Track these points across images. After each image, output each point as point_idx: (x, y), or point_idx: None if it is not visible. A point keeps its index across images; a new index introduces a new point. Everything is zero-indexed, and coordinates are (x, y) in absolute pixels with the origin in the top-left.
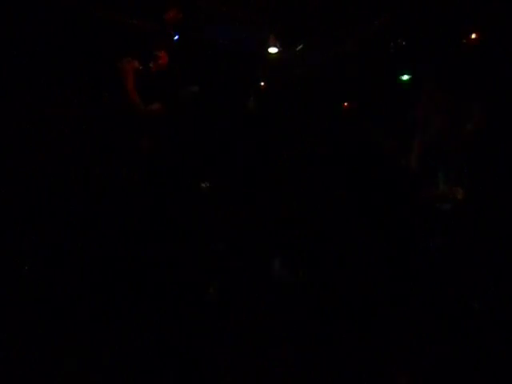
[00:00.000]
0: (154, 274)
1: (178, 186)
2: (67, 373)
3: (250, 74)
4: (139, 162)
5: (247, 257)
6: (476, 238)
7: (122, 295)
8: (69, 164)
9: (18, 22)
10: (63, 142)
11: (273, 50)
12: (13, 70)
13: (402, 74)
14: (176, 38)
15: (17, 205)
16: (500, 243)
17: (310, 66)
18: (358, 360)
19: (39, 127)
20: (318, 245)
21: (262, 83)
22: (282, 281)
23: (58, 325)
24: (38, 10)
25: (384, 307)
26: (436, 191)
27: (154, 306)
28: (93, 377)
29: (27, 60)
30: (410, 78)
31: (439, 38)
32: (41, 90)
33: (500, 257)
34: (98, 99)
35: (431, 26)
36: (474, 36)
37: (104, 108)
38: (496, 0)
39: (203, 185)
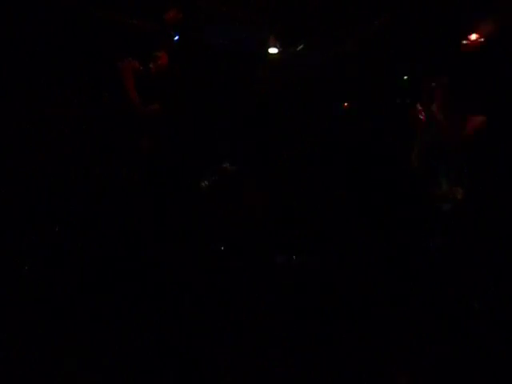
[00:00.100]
0: (153, 274)
1: (178, 185)
2: (67, 373)
3: (250, 74)
4: (139, 162)
5: (247, 256)
6: (476, 238)
7: (121, 295)
8: (69, 164)
9: (18, 22)
10: (63, 142)
11: (273, 50)
12: (13, 70)
13: (402, 74)
14: (176, 38)
15: (17, 205)
16: (500, 243)
17: (310, 65)
18: (357, 360)
19: (39, 127)
20: (318, 244)
21: (262, 83)
22: (282, 281)
23: (58, 325)
24: (38, 10)
25: (384, 307)
26: (436, 191)
27: (153, 305)
28: (93, 377)
29: (27, 60)
30: (410, 78)
31: (439, 38)
32: (41, 89)
33: (500, 257)
34: (97, 99)
35: (431, 26)
36: (474, 36)
37: (104, 108)
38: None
39: (203, 184)
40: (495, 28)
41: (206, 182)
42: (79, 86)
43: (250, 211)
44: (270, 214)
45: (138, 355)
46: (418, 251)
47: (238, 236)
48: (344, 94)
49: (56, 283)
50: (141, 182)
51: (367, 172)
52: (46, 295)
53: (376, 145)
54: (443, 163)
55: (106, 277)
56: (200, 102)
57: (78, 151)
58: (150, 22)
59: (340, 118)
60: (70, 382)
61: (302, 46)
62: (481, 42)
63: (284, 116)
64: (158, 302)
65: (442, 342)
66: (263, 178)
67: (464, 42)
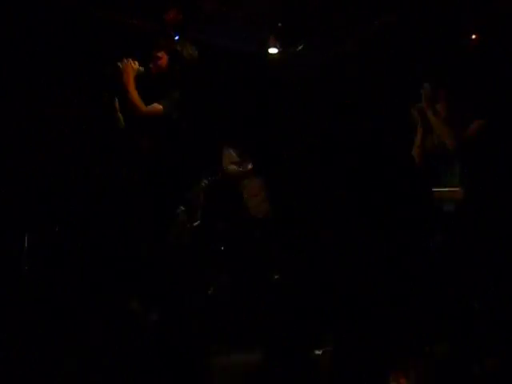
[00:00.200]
0: (153, 274)
1: (178, 185)
2: (67, 373)
3: (249, 74)
4: (139, 162)
5: (247, 256)
6: (476, 238)
7: (121, 295)
8: (69, 164)
9: (18, 22)
10: (63, 142)
11: (273, 50)
12: (13, 70)
13: (402, 74)
14: (176, 38)
15: (17, 205)
16: (500, 243)
17: (310, 65)
18: (357, 360)
19: (39, 127)
20: (317, 244)
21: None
22: (282, 281)
23: (58, 325)
24: (38, 10)
25: (384, 307)
26: (436, 191)
27: (153, 305)
28: (93, 377)
29: (27, 60)
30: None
31: (439, 38)
32: (41, 89)
33: (500, 257)
34: (97, 99)
35: (431, 25)
36: (474, 36)
37: (104, 108)
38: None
39: (203, 184)
40: (495, 28)
41: (206, 182)
42: (79, 86)
43: (251, 211)
44: (270, 214)
45: (138, 355)
46: (418, 251)
47: (238, 236)
48: (344, 93)
49: (56, 283)
50: (141, 182)
51: (367, 172)
52: (46, 295)
53: (376, 145)
54: (443, 163)
55: (105, 277)
56: (200, 102)
57: (77, 151)
58: (150, 22)
59: (340, 118)
60: (70, 382)
61: (301, 46)
62: (480, 42)
63: (284, 116)
64: (158, 302)
65: (442, 342)
66: (263, 178)
67: (464, 42)
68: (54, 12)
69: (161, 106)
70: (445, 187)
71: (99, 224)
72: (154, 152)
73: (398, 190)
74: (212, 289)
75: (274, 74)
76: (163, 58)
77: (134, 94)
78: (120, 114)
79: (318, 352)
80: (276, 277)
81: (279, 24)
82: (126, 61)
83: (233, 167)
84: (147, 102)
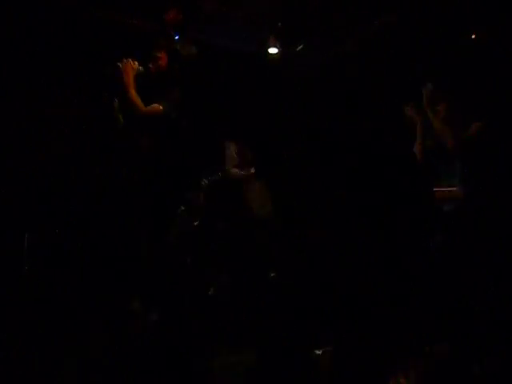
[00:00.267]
0: (153, 274)
1: (178, 185)
2: (67, 373)
3: (249, 74)
4: (139, 162)
5: (247, 256)
6: (476, 238)
7: (121, 295)
8: (69, 164)
9: (18, 22)
10: (63, 142)
11: (273, 50)
12: (13, 70)
13: (402, 74)
14: (176, 38)
15: (17, 204)
16: (500, 243)
17: (310, 65)
18: (357, 360)
19: (39, 127)
20: (317, 244)
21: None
22: (282, 280)
23: (58, 325)
24: (38, 10)
25: (384, 307)
26: (436, 191)
27: (153, 305)
28: (93, 377)
29: (27, 60)
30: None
31: (439, 38)
32: (41, 89)
33: (500, 257)
34: (97, 99)
35: (431, 25)
36: (473, 36)
37: (104, 108)
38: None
39: (203, 183)
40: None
41: (206, 182)
42: (79, 86)
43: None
44: (271, 214)
45: (138, 355)
46: (418, 251)
47: (238, 236)
48: (344, 93)
49: (56, 283)
50: (141, 182)
51: (367, 172)
52: (46, 295)
53: (376, 145)
54: (443, 163)
55: (106, 277)
56: (200, 102)
57: (77, 151)
58: (150, 22)
59: (340, 118)
60: (70, 382)
61: (301, 46)
62: (480, 42)
63: (284, 116)
64: (158, 302)
65: (442, 342)
66: (263, 178)
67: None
68: (54, 12)
69: (160, 107)
70: (445, 187)
71: (99, 224)
72: (154, 152)
73: (398, 190)
74: (212, 289)
75: (273, 74)
76: (163, 58)
77: (134, 94)
78: (120, 114)
79: (318, 352)
80: (272, 275)
81: (279, 24)
82: (125, 61)
83: (235, 171)
84: (147, 102)
